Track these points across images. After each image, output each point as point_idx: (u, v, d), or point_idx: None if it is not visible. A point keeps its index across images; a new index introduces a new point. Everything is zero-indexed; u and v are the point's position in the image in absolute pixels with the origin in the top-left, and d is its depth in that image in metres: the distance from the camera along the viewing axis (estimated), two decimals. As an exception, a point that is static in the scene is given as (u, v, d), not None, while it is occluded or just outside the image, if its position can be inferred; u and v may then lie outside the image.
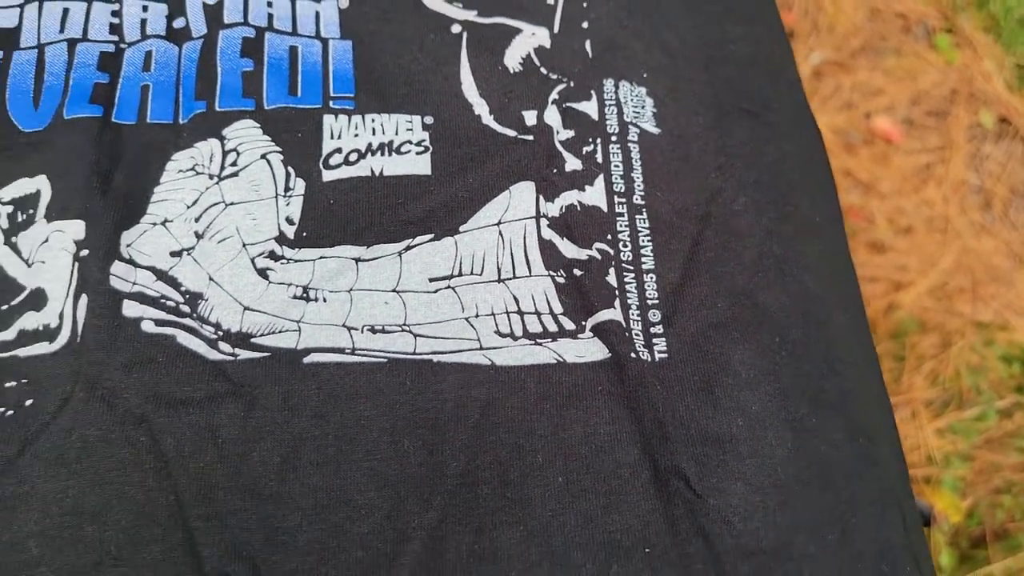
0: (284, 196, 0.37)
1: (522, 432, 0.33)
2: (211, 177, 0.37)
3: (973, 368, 1.24)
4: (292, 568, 0.31)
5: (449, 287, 0.35)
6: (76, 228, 0.36)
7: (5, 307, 0.35)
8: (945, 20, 1.70)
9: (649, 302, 0.36)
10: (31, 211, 0.37)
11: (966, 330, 1.28)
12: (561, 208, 0.37)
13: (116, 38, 0.40)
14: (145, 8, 0.41)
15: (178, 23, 0.41)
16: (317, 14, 0.42)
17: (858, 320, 0.39)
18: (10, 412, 0.33)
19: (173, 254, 0.36)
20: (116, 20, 0.41)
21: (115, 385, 0.33)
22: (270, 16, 0.41)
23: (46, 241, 0.36)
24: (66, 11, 0.41)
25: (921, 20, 1.70)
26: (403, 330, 0.34)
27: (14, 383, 0.34)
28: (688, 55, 0.42)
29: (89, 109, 0.38)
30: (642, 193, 0.38)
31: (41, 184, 0.37)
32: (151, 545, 0.31)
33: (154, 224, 0.36)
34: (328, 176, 0.37)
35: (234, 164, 0.37)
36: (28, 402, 0.33)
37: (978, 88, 1.68)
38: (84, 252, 0.35)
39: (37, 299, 0.35)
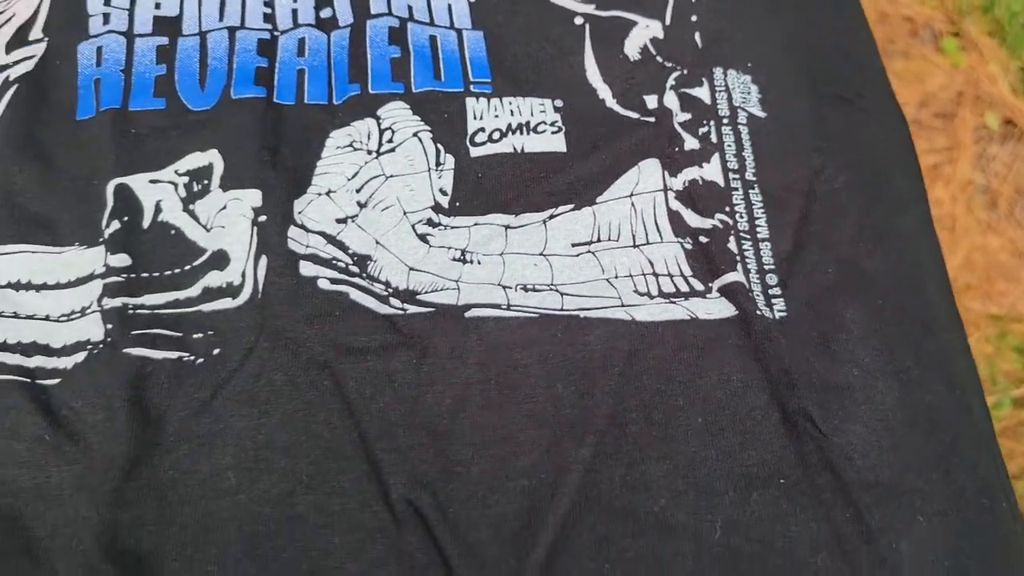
0: (436, 170, 0.40)
1: (663, 379, 0.37)
2: (370, 152, 0.41)
3: (988, 359, 1.28)
4: (467, 495, 0.34)
5: (590, 252, 0.39)
6: (253, 196, 0.40)
7: (188, 267, 0.39)
8: (951, 24, 1.74)
9: (766, 267, 0.40)
10: (205, 182, 0.41)
11: (980, 322, 1.32)
12: (684, 183, 0.41)
13: (270, 27, 0.44)
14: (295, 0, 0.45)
15: (325, 13, 0.45)
16: (449, 6, 0.46)
17: (946, 288, 0.43)
18: (200, 360, 0.37)
19: (339, 221, 0.40)
20: (268, 11, 0.45)
21: (297, 336, 0.37)
22: (410, 8, 0.45)
23: (224, 208, 0.40)
24: (223, 2, 0.44)
25: (928, 24, 1.74)
26: (551, 289, 0.38)
27: (201, 335, 0.37)
28: (786, 46, 0.46)
29: (254, 90, 0.42)
30: (753, 170, 0.42)
31: (213, 157, 0.41)
32: (339, 476, 0.35)
33: (319, 194, 0.40)
34: (475, 152, 0.41)
35: (390, 141, 0.41)
36: (216, 351, 0.37)
37: (984, 91, 1.72)
38: (262, 218, 0.39)
39: (219, 260, 0.39)
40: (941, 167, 1.64)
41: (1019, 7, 1.75)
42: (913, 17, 1.80)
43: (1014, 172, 1.64)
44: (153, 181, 0.40)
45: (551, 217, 0.40)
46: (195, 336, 0.37)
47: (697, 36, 0.45)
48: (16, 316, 0.37)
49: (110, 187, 0.40)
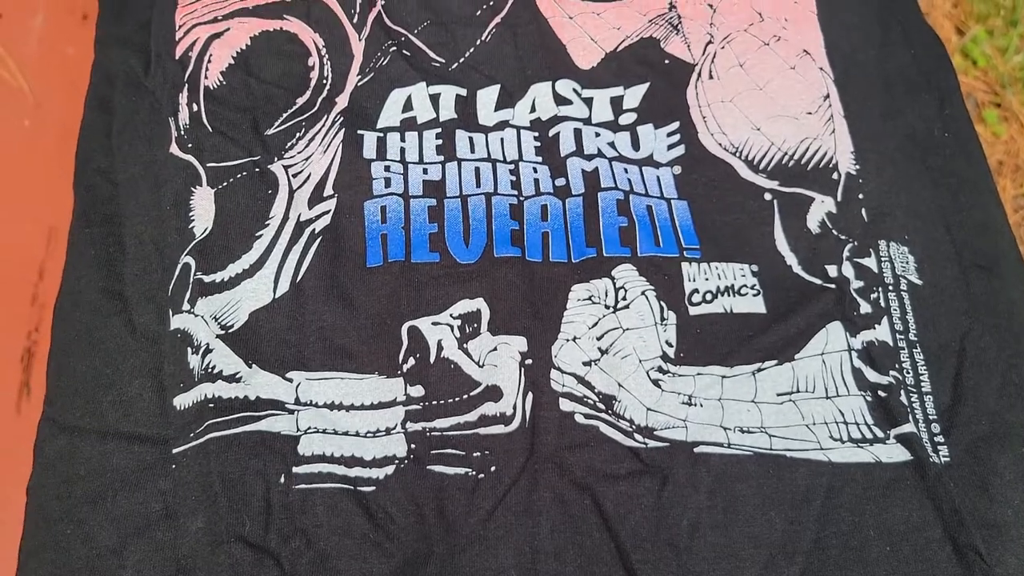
0: (662, 324, 0.50)
1: (857, 512, 0.46)
2: (607, 307, 0.50)
3: None
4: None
5: (791, 401, 0.48)
6: (520, 342, 0.49)
7: (466, 396, 0.48)
8: (994, 95, 1.83)
9: (931, 418, 0.49)
10: (476, 325, 0.50)
11: None
12: (862, 343, 0.50)
13: (516, 192, 0.54)
14: (535, 169, 0.55)
15: (559, 182, 0.55)
16: (658, 178, 0.56)
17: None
18: (481, 475, 0.46)
19: (584, 364, 0.49)
20: (514, 178, 0.55)
21: (561, 460, 0.46)
22: (630, 181, 0.55)
23: (494, 350, 0.49)
24: (477, 170, 0.55)
25: (970, 93, 1.83)
26: (761, 431, 0.48)
27: (479, 454, 0.47)
28: (935, 220, 0.56)
29: (511, 250, 0.52)
30: (915, 332, 0.51)
31: (480, 304, 0.51)
32: (601, 581, 0.44)
33: (567, 340, 0.50)
34: (693, 311, 0.50)
35: (624, 299, 0.50)
36: (492, 468, 0.47)
37: (1023, 161, 1.80)
38: (528, 361, 0.49)
39: (493, 393, 0.48)
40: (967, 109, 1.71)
41: None
42: None
43: None
44: (435, 323, 0.50)
45: (759, 370, 0.49)
46: (475, 454, 0.47)
47: (864, 212, 0.55)
48: (335, 432, 0.47)
49: (404, 328, 0.49)
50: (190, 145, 0.54)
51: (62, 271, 0.53)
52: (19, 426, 0.54)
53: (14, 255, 0.59)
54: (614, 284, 0.51)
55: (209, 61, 0.57)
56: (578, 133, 0.56)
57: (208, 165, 0.53)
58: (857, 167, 0.56)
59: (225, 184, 0.53)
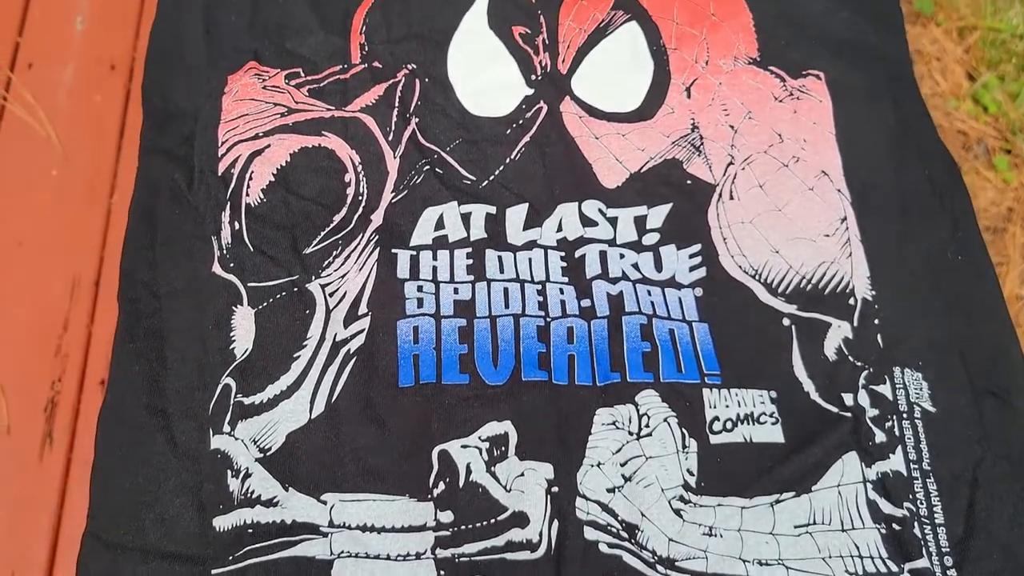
0: (683, 452, 0.52)
1: (871, 648, 0.47)
2: (631, 433, 0.52)
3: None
4: None
5: (808, 533, 0.50)
6: (546, 469, 0.51)
7: (494, 521, 0.50)
8: (1004, 141, 1.85)
9: (944, 550, 0.50)
10: (503, 448, 0.52)
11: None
12: (877, 474, 0.52)
13: (543, 313, 0.56)
14: (561, 291, 0.57)
15: (585, 303, 0.57)
16: (680, 300, 0.58)
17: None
18: (511, 600, 0.48)
19: (608, 490, 0.51)
20: (541, 299, 0.57)
21: (585, 590, 0.48)
22: (653, 304, 0.57)
23: (521, 475, 0.51)
24: (506, 290, 0.57)
25: (981, 139, 1.85)
26: (779, 563, 0.49)
27: (506, 579, 0.49)
28: (949, 347, 0.57)
29: (538, 374, 0.54)
30: (929, 461, 0.53)
31: (508, 428, 0.53)
32: None
33: (592, 466, 0.52)
34: (714, 440, 0.52)
35: (647, 426, 0.52)
36: (520, 594, 0.48)
37: None
38: (555, 488, 0.50)
39: (520, 519, 0.50)
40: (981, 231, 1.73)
41: None
42: (967, 132, 1.91)
43: None
44: (464, 446, 0.52)
45: (777, 501, 0.51)
46: (500, 579, 0.49)
47: (879, 337, 0.57)
48: (367, 556, 0.49)
49: (435, 453, 0.51)
50: (232, 265, 0.56)
51: (106, 384, 0.55)
52: (42, 475, 0.56)
53: (39, 305, 0.61)
54: (637, 410, 0.53)
55: (250, 178, 0.59)
56: (603, 255, 0.58)
57: (249, 284, 0.55)
58: (873, 292, 0.58)
59: (265, 304, 0.55)
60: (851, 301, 0.58)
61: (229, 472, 0.50)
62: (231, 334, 0.54)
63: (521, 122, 0.63)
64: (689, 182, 0.62)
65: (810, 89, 0.65)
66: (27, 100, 0.70)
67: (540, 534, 0.49)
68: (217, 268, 0.56)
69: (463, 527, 0.50)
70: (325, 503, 0.50)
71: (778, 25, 0.67)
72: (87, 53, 0.73)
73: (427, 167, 0.61)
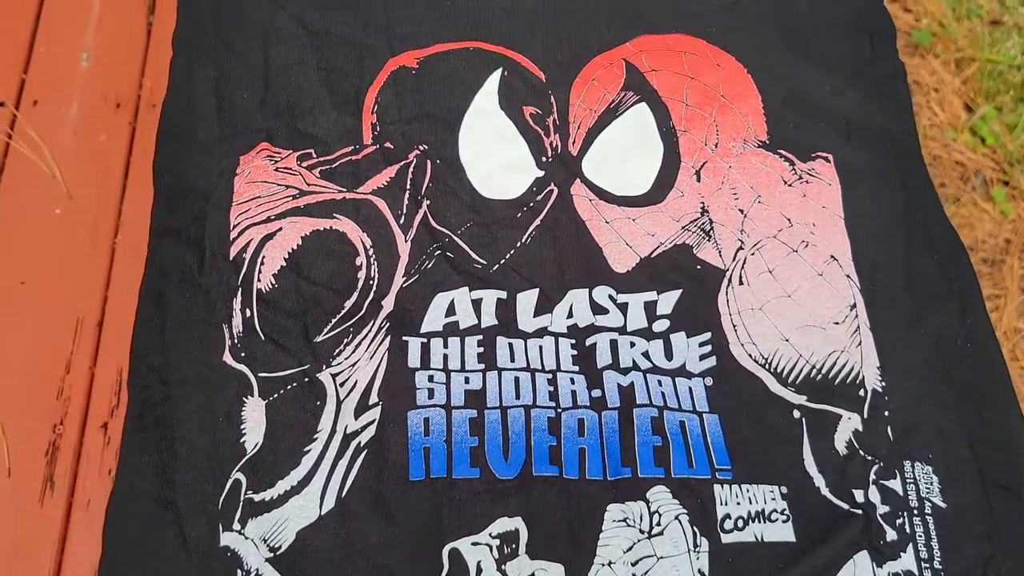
0: (694, 552, 0.52)
1: None
2: (642, 532, 0.52)
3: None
4: None
5: (824, 637, 0.50)
6: (557, 570, 0.51)
7: (502, 622, 0.50)
8: (1002, 172, 1.85)
9: (956, 653, 0.50)
10: (513, 545, 0.52)
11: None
12: (889, 574, 0.52)
13: (554, 404, 0.56)
14: (572, 380, 0.57)
15: (595, 393, 0.57)
16: (690, 389, 0.58)
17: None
18: None
19: (619, 591, 0.51)
20: (552, 388, 0.57)
21: None
22: (664, 395, 0.57)
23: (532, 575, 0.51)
24: (517, 380, 0.57)
25: (978, 170, 1.86)
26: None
27: None
28: (958, 438, 0.57)
29: (549, 469, 0.54)
30: (939, 559, 0.53)
31: (518, 524, 0.52)
32: None
33: (602, 564, 0.51)
34: (725, 539, 0.52)
35: (658, 524, 0.52)
36: None
37: None
38: (566, 590, 0.50)
39: (530, 620, 0.50)
40: (989, 313, 1.73)
41: None
42: (965, 163, 1.92)
43: None
44: (474, 544, 0.52)
45: (792, 604, 0.51)
46: None
47: (889, 429, 0.57)
48: (377, 659, 0.49)
49: (445, 551, 0.51)
50: (243, 354, 0.56)
51: (115, 473, 0.55)
52: (42, 519, 0.56)
53: (41, 347, 0.61)
54: (648, 508, 0.53)
55: (262, 263, 0.59)
56: (614, 344, 0.58)
57: (260, 375, 0.55)
58: (883, 383, 0.58)
59: (276, 396, 0.55)
60: (861, 392, 0.58)
61: (239, 571, 0.50)
62: (242, 427, 0.54)
63: (532, 205, 0.63)
64: (699, 267, 0.62)
65: (819, 172, 0.65)
66: (32, 138, 0.70)
67: (551, 638, 0.49)
68: (228, 358, 0.56)
69: (474, 629, 0.49)
70: (335, 603, 0.50)
71: (787, 107, 0.67)
72: (92, 91, 0.73)
73: (438, 251, 0.61)
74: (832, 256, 0.63)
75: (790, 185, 0.65)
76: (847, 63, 0.71)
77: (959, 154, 1.91)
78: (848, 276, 0.62)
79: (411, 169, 0.64)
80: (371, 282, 0.60)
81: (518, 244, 0.62)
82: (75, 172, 0.69)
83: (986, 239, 1.83)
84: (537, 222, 0.63)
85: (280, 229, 0.61)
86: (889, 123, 0.69)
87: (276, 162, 0.63)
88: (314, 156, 0.64)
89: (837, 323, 0.60)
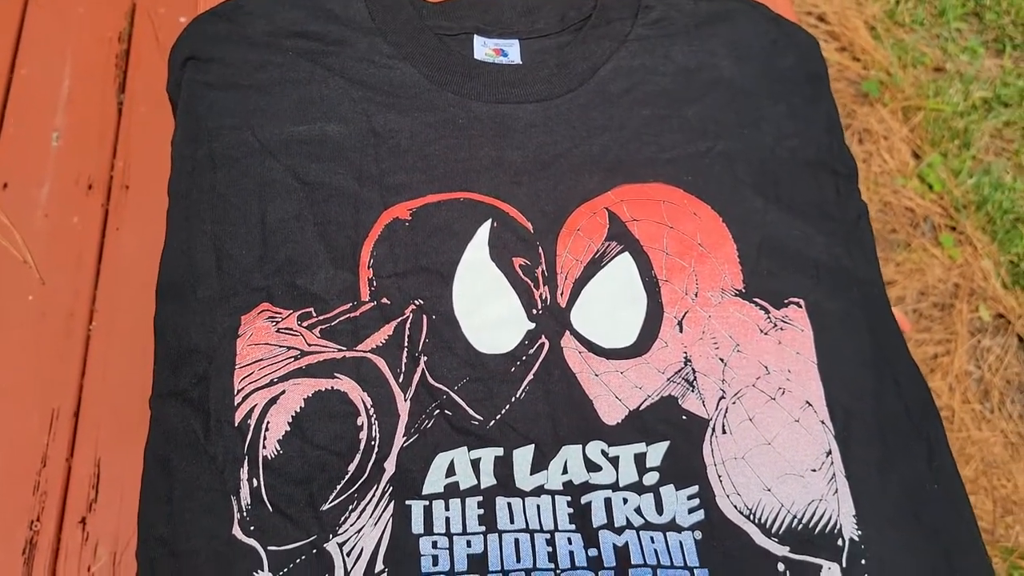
0: None
1: None
2: None
3: None
4: None
5: None
6: None
7: None
8: (949, 218, 1.94)
9: None
10: None
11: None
12: None
13: (553, 566, 0.59)
14: (570, 540, 0.60)
15: (592, 552, 0.60)
16: (681, 544, 0.61)
17: None
18: None
19: None
20: (550, 549, 0.60)
21: None
22: (656, 552, 0.60)
23: None
24: (517, 542, 0.59)
25: (927, 216, 1.94)
26: None
27: None
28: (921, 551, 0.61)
29: None
30: None
31: None
32: None
33: None
34: None
35: None
36: None
37: (978, 285, 1.90)
38: None
39: None
40: (940, 358, 1.80)
41: (1009, 204, 1.95)
42: (914, 208, 2.00)
43: (1005, 364, 1.81)
44: None
45: None
46: None
47: (867, 579, 0.61)
48: None
49: None
50: (252, 528, 0.58)
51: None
52: None
53: (15, 440, 0.58)
54: (647, 672, 0.55)
55: (267, 430, 0.61)
56: (608, 503, 0.61)
57: (269, 548, 0.57)
58: (859, 532, 0.62)
59: (285, 570, 0.57)
60: (839, 542, 0.62)
61: None
62: (253, 605, 0.56)
63: (525, 358, 0.66)
64: (684, 417, 0.65)
65: (792, 319, 0.70)
66: (2, 222, 0.69)
67: None
68: (238, 531, 0.58)
69: None
70: None
71: (761, 254, 0.71)
72: (64, 172, 0.72)
73: (437, 410, 0.64)
74: (807, 402, 0.67)
75: (766, 333, 0.69)
76: (814, 205, 0.75)
77: (908, 200, 1.99)
78: (823, 422, 0.66)
79: (408, 325, 0.66)
80: (372, 443, 0.62)
81: (513, 399, 0.65)
82: (47, 257, 0.67)
83: (936, 284, 1.91)
84: (530, 376, 0.66)
85: (283, 392, 0.63)
86: (856, 266, 0.73)
87: (277, 323, 0.65)
88: (314, 315, 0.66)
89: (814, 470, 0.64)
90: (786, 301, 0.70)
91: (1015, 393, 1.67)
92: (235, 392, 0.63)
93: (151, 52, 0.91)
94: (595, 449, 0.64)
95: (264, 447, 0.61)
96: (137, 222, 0.71)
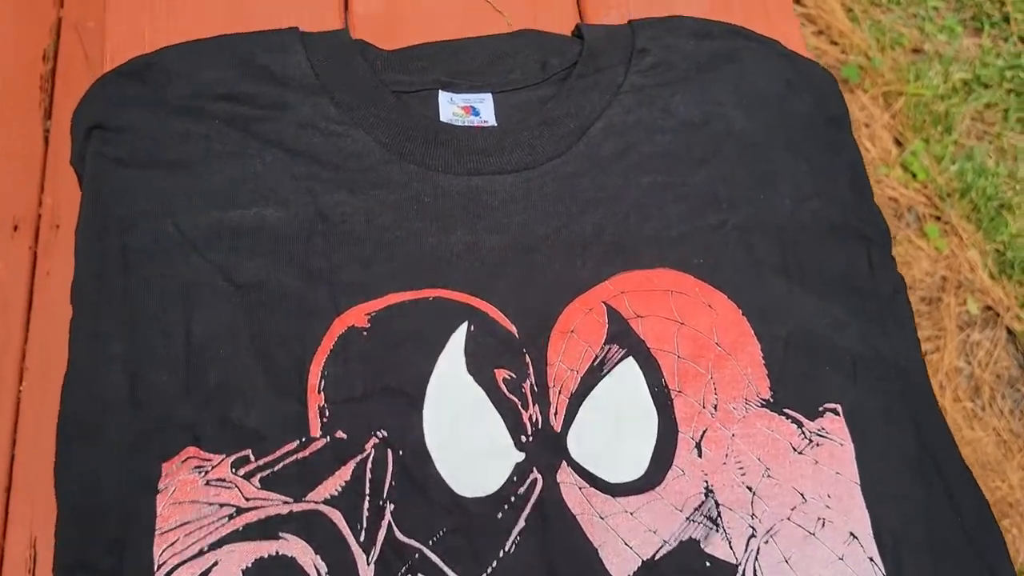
0: None
1: None
2: None
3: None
4: None
5: None
6: None
7: None
8: (934, 208, 1.86)
9: None
10: None
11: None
12: None
13: None
14: None
15: None
16: None
17: None
18: None
19: None
20: None
21: None
22: None
23: None
24: None
25: (911, 207, 1.86)
26: None
27: None
28: None
29: None
30: None
31: None
32: None
33: None
34: None
35: None
36: None
37: (965, 277, 1.83)
38: None
39: None
40: (929, 355, 1.73)
41: (993, 190, 1.88)
42: (898, 199, 1.92)
43: (994, 359, 1.74)
44: None
45: None
46: None
47: None
48: None
49: None
50: None
51: None
52: None
53: None
54: None
55: (197, 618, 0.49)
56: None
57: None
58: None
59: None
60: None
61: None
62: None
63: (513, 500, 0.55)
64: (708, 564, 0.54)
65: (829, 431, 0.58)
66: None
67: None
68: None
69: None
70: None
71: (788, 352, 0.60)
72: None
73: (408, 574, 0.52)
74: (852, 534, 0.56)
75: (800, 452, 0.58)
76: (844, 281, 0.64)
77: (892, 190, 1.90)
78: (871, 559, 0.55)
79: (369, 465, 0.54)
80: (330, 624, 0.50)
81: (501, 554, 0.53)
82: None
83: (923, 278, 1.83)
84: (521, 523, 0.54)
85: (216, 563, 0.51)
86: (895, 353, 0.63)
87: (206, 472, 0.53)
88: (252, 459, 0.54)
89: (866, 622, 0.53)
90: (821, 409, 0.59)
91: (1005, 388, 1.60)
92: (156, 567, 0.50)
93: (79, 72, 0.81)
94: (604, 616, 0.52)
95: (193, 643, 0.49)
96: (70, 266, 0.62)
